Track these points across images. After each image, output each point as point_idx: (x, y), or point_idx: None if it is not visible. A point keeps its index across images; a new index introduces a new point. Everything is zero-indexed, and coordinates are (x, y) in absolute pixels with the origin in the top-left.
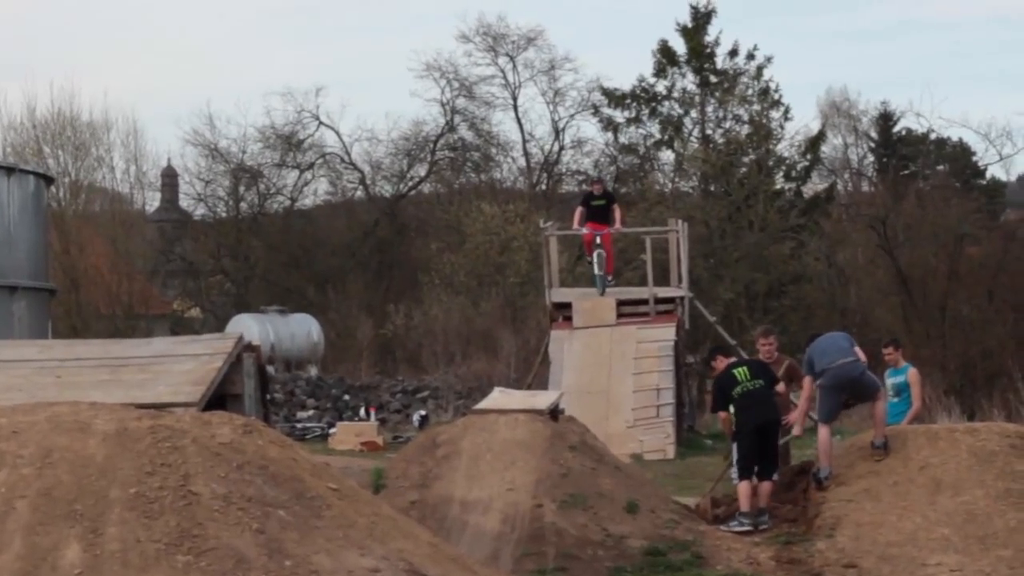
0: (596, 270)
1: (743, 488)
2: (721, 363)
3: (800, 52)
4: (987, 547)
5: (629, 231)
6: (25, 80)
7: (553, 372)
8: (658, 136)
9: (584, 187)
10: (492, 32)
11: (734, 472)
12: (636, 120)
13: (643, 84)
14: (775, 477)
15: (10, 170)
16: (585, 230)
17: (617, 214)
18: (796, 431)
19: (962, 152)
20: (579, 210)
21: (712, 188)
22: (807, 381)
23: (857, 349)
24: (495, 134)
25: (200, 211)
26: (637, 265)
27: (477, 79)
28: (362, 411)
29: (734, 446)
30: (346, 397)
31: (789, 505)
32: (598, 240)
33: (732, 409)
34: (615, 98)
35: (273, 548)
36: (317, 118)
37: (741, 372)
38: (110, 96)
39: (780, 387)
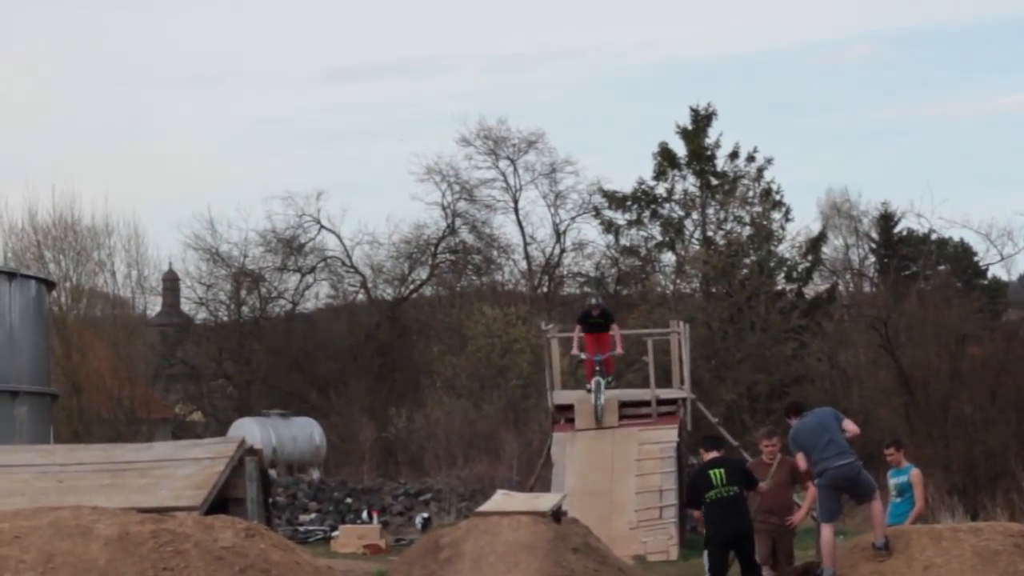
0: (597, 400)
1: None
2: (705, 456)
3: (800, 153)
4: None
5: (631, 333)
6: (26, 185)
7: (556, 474)
8: (659, 238)
9: (586, 290)
10: (493, 135)
11: None
12: (637, 222)
13: (644, 186)
14: None
15: (11, 275)
16: (583, 355)
17: (617, 337)
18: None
19: (963, 252)
20: (577, 329)
21: (714, 289)
22: (799, 457)
23: (847, 423)
24: (496, 237)
25: (202, 315)
26: (639, 367)
27: (478, 182)
28: (364, 514)
29: (705, 554)
30: (348, 500)
31: None
32: (597, 367)
33: (703, 514)
34: (616, 200)
35: None
36: (318, 222)
37: (716, 475)
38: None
39: (761, 487)
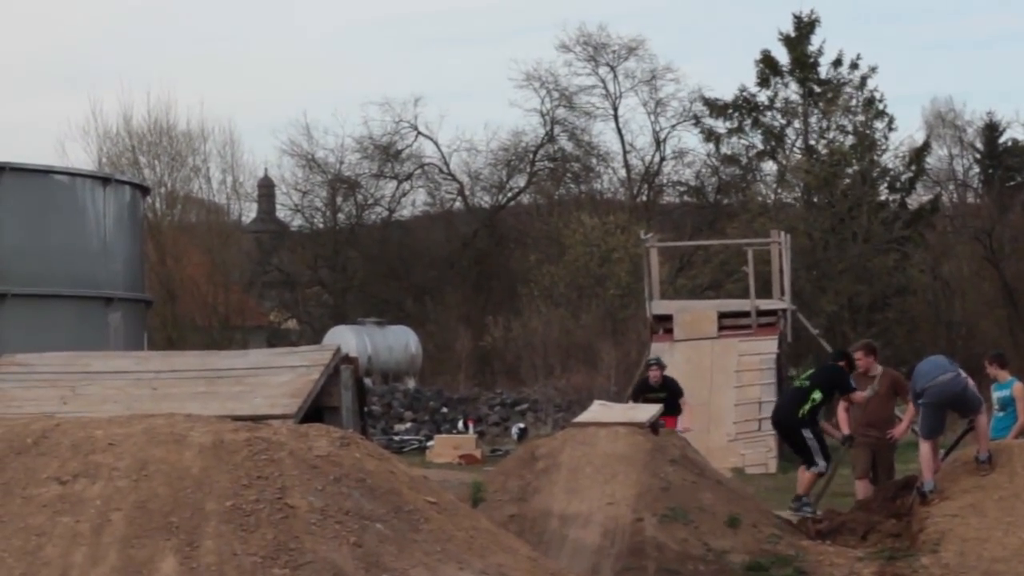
0: None
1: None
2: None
3: (905, 62)
4: None
5: (731, 243)
6: (121, 90)
7: None
8: (760, 147)
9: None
10: (593, 42)
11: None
12: (738, 131)
13: (745, 94)
14: (812, 468)
15: (106, 180)
16: None
17: (686, 413)
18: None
19: None
20: (630, 404)
21: (815, 199)
22: (911, 404)
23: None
24: (595, 145)
25: (297, 222)
26: (739, 277)
27: (577, 89)
28: (460, 424)
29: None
30: (444, 410)
31: (893, 520)
32: None
33: None
34: (717, 108)
35: (370, 562)
36: (415, 128)
37: (806, 371)
38: (206, 106)
39: (857, 396)
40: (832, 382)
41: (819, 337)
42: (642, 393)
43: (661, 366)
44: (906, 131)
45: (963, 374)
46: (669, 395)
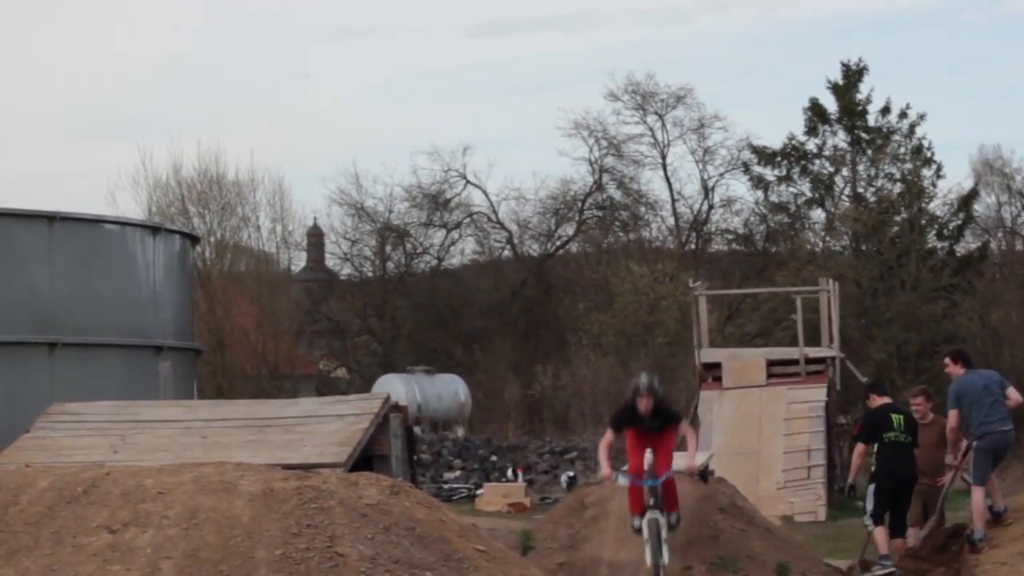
0: (656, 559)
1: (880, 533)
2: (875, 401)
3: (952, 109)
4: None
5: (780, 290)
6: (171, 139)
7: (703, 433)
8: (809, 194)
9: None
10: (641, 90)
11: (868, 519)
12: (787, 178)
13: (793, 142)
14: (906, 536)
15: (156, 230)
16: (621, 478)
17: (690, 441)
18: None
19: None
20: (608, 436)
21: (864, 247)
22: (952, 414)
23: (1011, 391)
24: (644, 193)
25: (346, 271)
26: (788, 325)
27: (625, 137)
28: (509, 472)
29: (871, 490)
30: (493, 458)
31: (943, 568)
32: (651, 500)
33: (875, 452)
34: (765, 156)
35: None
36: (464, 177)
37: (897, 419)
38: (256, 155)
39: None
40: (915, 432)
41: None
42: (626, 421)
43: (654, 393)
44: (954, 178)
45: (1016, 399)
46: (664, 423)
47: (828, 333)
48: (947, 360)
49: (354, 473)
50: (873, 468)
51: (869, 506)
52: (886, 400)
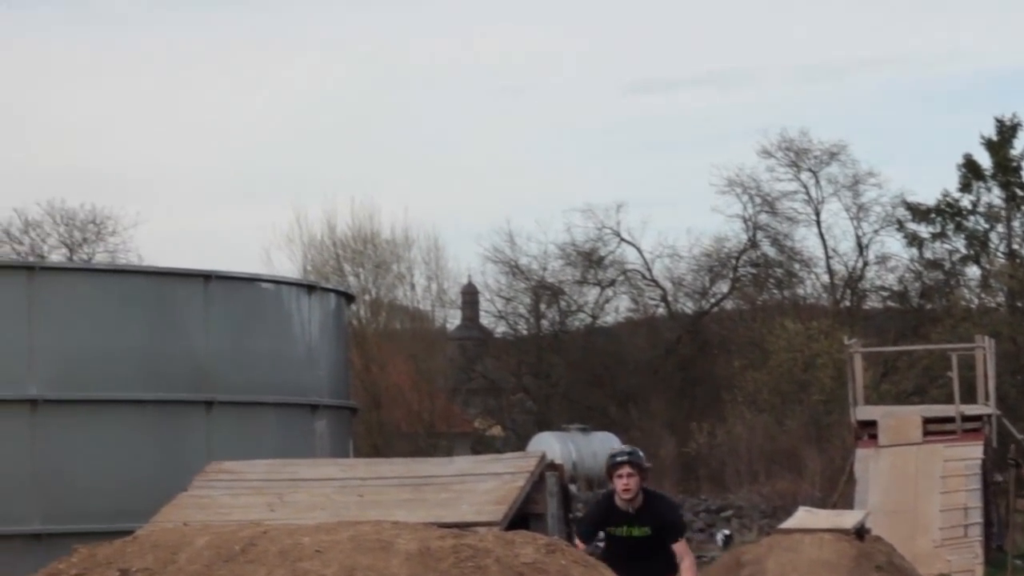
0: None
1: None
2: None
3: None
4: None
5: (935, 348)
6: (325, 199)
7: (859, 491)
8: (964, 251)
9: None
10: (794, 147)
11: None
12: (941, 235)
13: (948, 199)
14: None
15: (311, 288)
16: None
17: (686, 564)
18: None
19: None
20: (578, 544)
21: (1020, 304)
22: None
23: None
24: (798, 250)
25: (501, 329)
26: (943, 382)
27: (779, 194)
28: None
29: None
30: None
31: None
32: None
33: None
34: (920, 213)
35: None
36: (618, 234)
37: None
38: (410, 213)
39: None
40: None
41: None
42: (599, 526)
43: (639, 468)
44: None
45: None
46: (656, 532)
47: (984, 390)
48: None
49: (510, 531)
50: None
51: None
52: None
